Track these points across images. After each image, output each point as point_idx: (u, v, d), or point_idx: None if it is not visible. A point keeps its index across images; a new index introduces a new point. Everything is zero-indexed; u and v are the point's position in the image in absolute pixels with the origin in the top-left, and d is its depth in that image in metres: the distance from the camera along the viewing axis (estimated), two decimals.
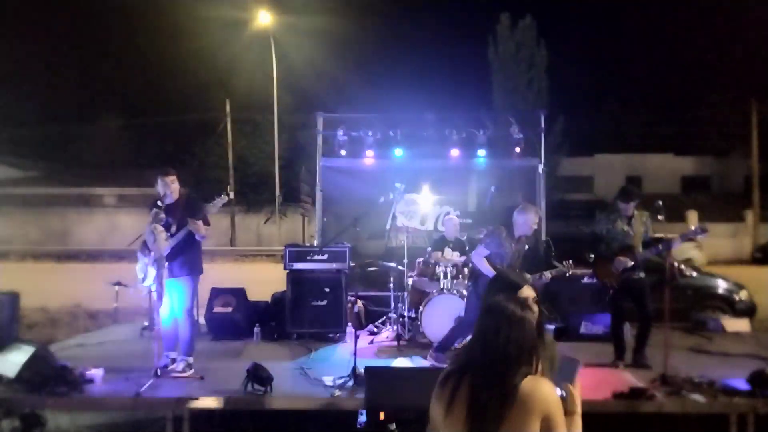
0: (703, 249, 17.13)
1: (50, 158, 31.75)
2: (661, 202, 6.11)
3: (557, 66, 26.42)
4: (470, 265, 6.76)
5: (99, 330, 8.91)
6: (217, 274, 8.94)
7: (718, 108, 34.68)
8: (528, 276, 5.73)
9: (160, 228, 5.75)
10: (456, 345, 6.51)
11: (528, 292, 2.91)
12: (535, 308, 2.63)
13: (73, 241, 29.12)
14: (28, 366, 5.40)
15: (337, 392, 5.34)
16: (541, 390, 2.26)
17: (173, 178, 5.99)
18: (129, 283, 6.30)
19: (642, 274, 6.36)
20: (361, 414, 4.57)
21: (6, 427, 5.74)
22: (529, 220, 6.10)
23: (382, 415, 4.44)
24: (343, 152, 9.26)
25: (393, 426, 4.39)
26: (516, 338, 2.29)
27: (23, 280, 9.78)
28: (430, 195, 9.36)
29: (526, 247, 6.33)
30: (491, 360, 2.29)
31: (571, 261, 6.32)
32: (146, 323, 7.92)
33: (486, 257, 6.06)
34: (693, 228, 6.13)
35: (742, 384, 5.29)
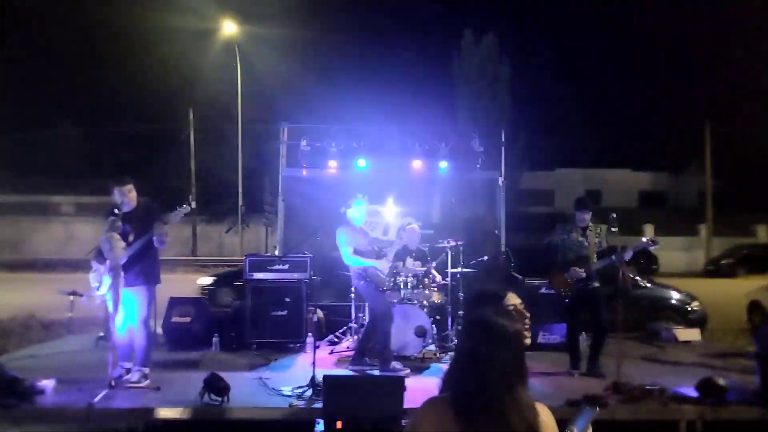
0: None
1: (4, 166, 30.89)
2: (614, 215, 6.29)
3: (520, 82, 26.88)
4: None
5: (52, 341, 8.69)
6: (178, 284, 8.83)
7: (675, 126, 35.74)
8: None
9: (117, 236, 5.67)
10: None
11: (514, 299, 2.74)
12: (527, 314, 2.44)
13: (28, 251, 28.36)
14: None
15: (296, 402, 5.33)
16: (552, 419, 2.07)
17: (130, 187, 5.92)
18: (84, 293, 6.18)
19: (596, 284, 6.51)
20: (318, 423, 4.56)
21: None
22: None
23: (339, 424, 4.43)
24: (305, 163, 9.26)
25: None
26: (514, 356, 2.02)
27: None
28: (393, 206, 9.41)
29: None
30: (493, 386, 1.99)
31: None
32: (102, 333, 7.76)
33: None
34: (644, 239, 6.31)
35: (691, 392, 5.45)
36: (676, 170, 40.85)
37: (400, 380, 4.72)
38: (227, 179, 29.14)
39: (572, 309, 6.65)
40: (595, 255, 6.47)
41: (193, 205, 6.09)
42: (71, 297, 8.54)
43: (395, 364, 6.49)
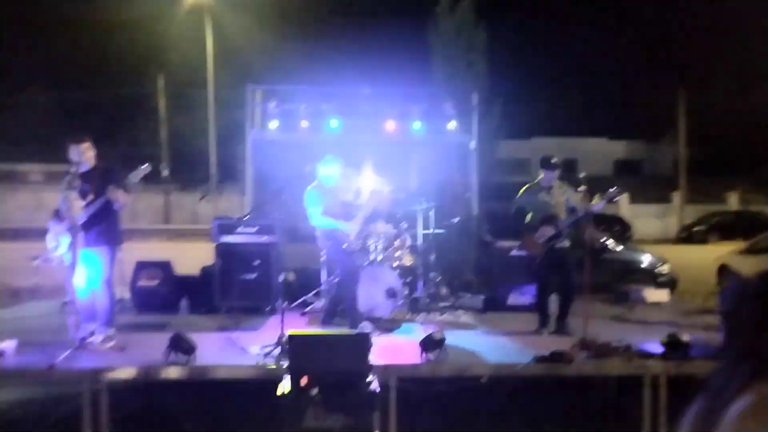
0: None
1: None
2: (583, 174, 6.29)
3: (496, 49, 26.64)
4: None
5: (17, 306, 8.53)
6: (151, 252, 8.70)
7: (651, 95, 35.87)
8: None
9: (74, 195, 5.52)
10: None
11: None
12: None
13: None
14: None
15: (263, 361, 5.28)
16: None
17: (87, 145, 5.75)
18: (41, 254, 6.03)
19: (566, 243, 6.51)
20: (284, 380, 4.52)
21: None
22: None
23: (304, 381, 4.39)
24: (275, 125, 9.09)
25: (315, 390, 4.35)
26: None
27: None
28: (367, 169, 9.29)
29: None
30: None
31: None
32: (68, 299, 7.61)
33: None
34: (611, 190, 6.30)
35: (656, 348, 5.50)
36: (652, 139, 41.18)
37: (366, 337, 4.69)
38: (200, 146, 28.72)
39: (543, 270, 6.64)
40: (563, 212, 6.45)
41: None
42: (35, 261, 8.37)
43: (365, 325, 6.47)
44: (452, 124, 9.24)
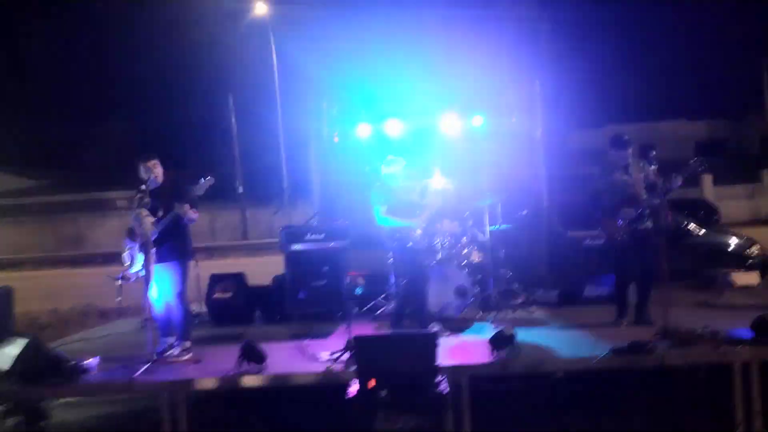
0: None
1: (60, 165, 31.95)
2: (654, 151, 5.97)
3: (562, 37, 26.00)
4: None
5: (104, 325, 8.92)
6: (230, 268, 8.93)
7: (730, 70, 34.09)
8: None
9: (145, 212, 5.70)
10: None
11: None
12: None
13: (88, 246, 29.32)
14: (21, 358, 5.37)
15: (333, 366, 5.28)
16: None
17: (155, 162, 5.94)
18: (119, 273, 6.26)
19: (649, 224, 6.14)
20: (353, 384, 4.49)
21: (10, 422, 5.77)
22: None
23: (372, 383, 4.35)
24: (335, 129, 9.16)
25: (384, 392, 4.30)
26: None
27: (39, 286, 9.83)
28: (432, 168, 9.19)
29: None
30: None
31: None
32: (148, 315, 7.89)
33: None
34: (692, 161, 5.94)
35: (746, 333, 5.14)
36: (735, 117, 39.02)
37: (432, 336, 4.60)
38: (271, 162, 29.33)
39: (623, 256, 6.30)
40: (643, 190, 6.12)
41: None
42: (118, 282, 8.73)
43: (434, 325, 6.37)
44: (516, 115, 9.02)
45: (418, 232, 6.64)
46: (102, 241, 29.22)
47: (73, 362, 5.55)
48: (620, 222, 6.14)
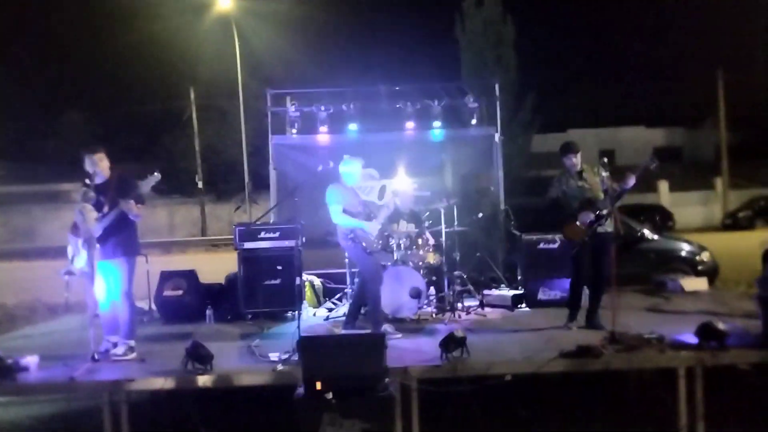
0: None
1: (14, 156, 31.01)
2: (605, 159, 6.05)
3: (526, 43, 26.21)
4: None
5: (50, 321, 8.64)
6: (189, 264, 8.74)
7: (688, 80, 34.94)
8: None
9: (89, 207, 5.52)
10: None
11: None
12: None
13: (41, 239, 28.57)
14: None
15: (280, 367, 5.18)
16: None
17: (101, 155, 5.73)
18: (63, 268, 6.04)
19: (609, 229, 6.19)
20: (300, 386, 4.41)
21: None
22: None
23: (318, 385, 4.27)
24: (294, 129, 9.06)
25: (330, 395, 4.23)
26: None
27: None
28: (392, 169, 9.15)
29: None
30: None
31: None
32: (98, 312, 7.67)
33: None
34: (644, 161, 6.02)
35: (690, 338, 5.21)
36: (691, 125, 40.02)
37: (381, 338, 4.55)
38: (233, 157, 28.99)
39: (581, 259, 6.33)
40: (601, 193, 6.17)
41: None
42: (66, 277, 8.46)
43: (387, 327, 6.33)
44: (475, 119, 9.04)
45: (375, 232, 6.58)
46: (56, 235, 28.49)
47: (10, 360, 5.34)
48: (581, 225, 6.16)
